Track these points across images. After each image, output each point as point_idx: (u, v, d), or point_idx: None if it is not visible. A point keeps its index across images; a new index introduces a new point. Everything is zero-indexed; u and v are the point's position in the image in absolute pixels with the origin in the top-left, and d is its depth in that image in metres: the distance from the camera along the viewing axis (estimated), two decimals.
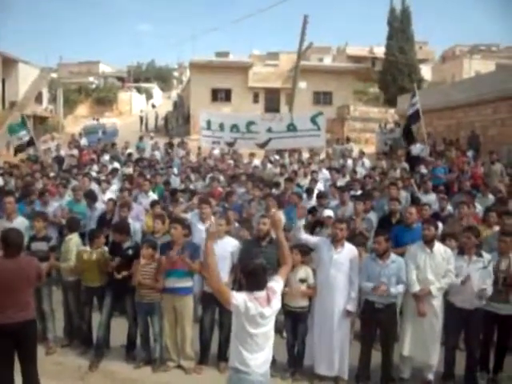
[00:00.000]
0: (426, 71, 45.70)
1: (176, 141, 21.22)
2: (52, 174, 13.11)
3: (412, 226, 7.40)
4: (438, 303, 6.07)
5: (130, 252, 6.66)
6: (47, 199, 9.49)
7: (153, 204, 8.85)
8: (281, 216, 4.71)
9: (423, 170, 13.72)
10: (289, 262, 4.58)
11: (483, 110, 19.80)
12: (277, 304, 4.20)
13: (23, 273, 5.18)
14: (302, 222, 6.57)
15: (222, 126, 13.10)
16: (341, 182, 11.58)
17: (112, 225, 7.66)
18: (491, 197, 10.32)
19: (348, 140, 20.88)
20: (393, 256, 6.10)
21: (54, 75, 43.28)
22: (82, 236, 7.47)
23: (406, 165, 14.53)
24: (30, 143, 16.75)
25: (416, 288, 5.99)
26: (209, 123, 13.21)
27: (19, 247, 5.30)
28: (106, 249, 6.84)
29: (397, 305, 6.31)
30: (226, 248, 6.51)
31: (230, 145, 13.53)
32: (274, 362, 5.67)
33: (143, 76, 64.44)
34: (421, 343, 6.07)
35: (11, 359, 5.13)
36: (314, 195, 9.83)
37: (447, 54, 59.16)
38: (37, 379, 5.30)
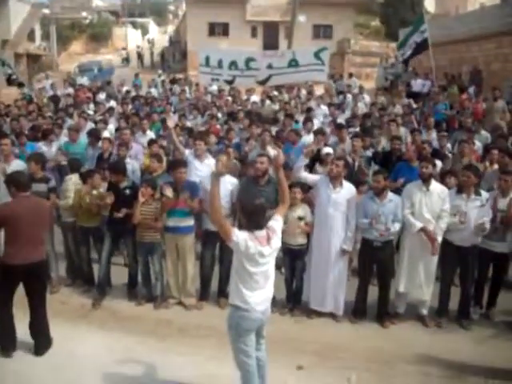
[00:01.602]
0: (429, 3, 44.27)
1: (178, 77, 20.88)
2: (49, 114, 12.94)
3: (414, 164, 7.33)
4: None
5: (128, 192, 6.65)
6: (52, 139, 9.44)
7: (150, 143, 8.76)
8: (282, 157, 4.66)
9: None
10: (286, 201, 4.58)
11: (486, 44, 19.37)
12: (277, 243, 4.23)
13: (39, 212, 5.30)
14: (305, 162, 6.51)
15: (220, 63, 12.75)
16: (341, 119, 11.45)
17: (108, 165, 7.60)
18: (484, 133, 10.25)
19: (350, 75, 20.51)
20: (390, 195, 6.10)
21: (46, 11, 41.94)
22: (81, 175, 7.47)
23: (406, 101, 14.35)
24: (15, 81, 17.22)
25: (419, 224, 5.97)
26: (207, 60, 12.86)
27: (29, 185, 5.43)
28: (102, 190, 6.81)
29: (393, 240, 6.38)
30: (226, 186, 6.48)
31: (229, 83, 13.27)
32: (273, 299, 5.80)
33: (138, 11, 62.64)
34: (416, 280, 6.17)
35: (12, 296, 5.31)
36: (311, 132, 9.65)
37: None
38: (46, 319, 5.48)
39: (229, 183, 6.58)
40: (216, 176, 4.22)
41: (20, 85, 18.11)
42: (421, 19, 15.50)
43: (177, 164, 6.66)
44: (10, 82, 18.39)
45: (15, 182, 5.27)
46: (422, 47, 15.30)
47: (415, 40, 15.45)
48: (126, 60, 27.89)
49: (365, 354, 5.64)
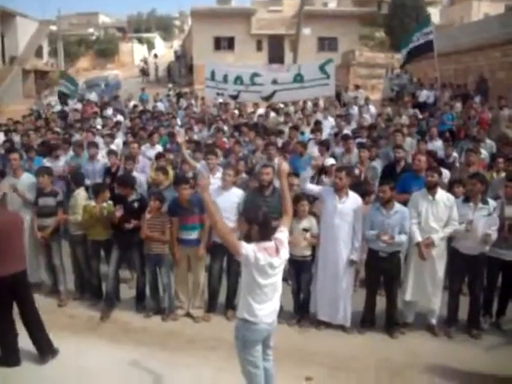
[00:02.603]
0: (433, 14, 44.32)
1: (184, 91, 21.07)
2: (57, 129, 13.08)
3: (420, 174, 7.30)
4: (440, 249, 6.12)
5: (136, 205, 6.71)
6: (59, 154, 9.54)
7: (158, 156, 8.84)
8: (286, 166, 4.69)
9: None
10: (290, 213, 4.58)
11: (491, 53, 19.37)
12: (285, 254, 4.22)
13: (13, 223, 5.39)
14: (310, 174, 6.54)
15: (225, 78, 12.78)
16: (347, 130, 11.48)
17: (117, 178, 7.67)
18: (489, 141, 10.27)
19: (357, 87, 20.56)
20: (397, 206, 6.09)
21: (53, 28, 42.44)
22: (86, 190, 7.55)
23: (411, 111, 14.36)
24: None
25: (418, 238, 6.02)
26: (213, 74, 12.92)
27: None
28: (111, 203, 6.86)
29: (402, 252, 6.36)
30: (233, 199, 6.55)
31: (234, 98, 13.32)
32: (280, 310, 5.80)
33: (144, 26, 63.24)
34: (422, 288, 6.17)
35: (9, 310, 5.39)
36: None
37: None
38: (42, 325, 5.52)
39: (235, 196, 6.62)
40: (202, 191, 4.20)
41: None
42: (427, 21, 15.53)
43: (179, 181, 6.74)
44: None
45: None
46: (424, 49, 15.28)
47: (416, 40, 15.46)
48: (106, 86, 27.29)
49: (374, 364, 5.61)
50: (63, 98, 18.41)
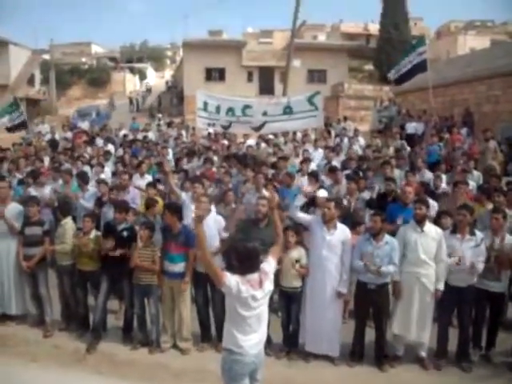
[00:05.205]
0: None
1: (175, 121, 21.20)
2: (46, 158, 13.05)
3: (408, 205, 7.33)
4: (429, 283, 6.09)
5: (125, 234, 6.69)
6: (43, 181, 9.50)
7: (147, 186, 8.83)
8: (277, 198, 4.74)
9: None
10: (280, 243, 4.60)
11: (477, 86, 19.74)
12: (269, 286, 4.18)
13: None
14: (300, 202, 6.59)
15: (218, 109, 12.94)
16: (336, 161, 11.56)
17: (114, 204, 7.65)
18: (476, 173, 10.40)
19: (345, 119, 20.84)
20: (387, 237, 6.10)
21: (46, 57, 42.72)
22: (73, 219, 7.51)
23: (400, 143, 14.50)
24: (23, 125, 16.92)
25: (396, 278, 6.10)
26: (205, 105, 13.05)
27: None
28: (99, 233, 6.82)
29: (390, 284, 6.35)
30: (213, 226, 6.58)
31: (225, 128, 13.45)
32: (269, 342, 5.74)
33: (136, 56, 63.86)
34: (410, 322, 6.11)
35: None
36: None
37: (442, 30, 58.65)
38: None
39: (214, 222, 6.70)
40: (197, 220, 4.21)
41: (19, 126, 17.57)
42: (421, 41, 15.92)
43: (166, 206, 6.84)
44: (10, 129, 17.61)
45: None
46: (418, 69, 15.61)
47: (411, 60, 15.83)
48: (97, 115, 27.09)
49: None
50: None
